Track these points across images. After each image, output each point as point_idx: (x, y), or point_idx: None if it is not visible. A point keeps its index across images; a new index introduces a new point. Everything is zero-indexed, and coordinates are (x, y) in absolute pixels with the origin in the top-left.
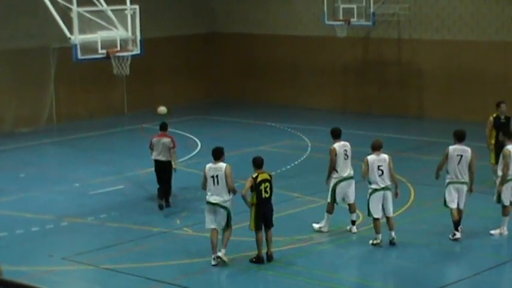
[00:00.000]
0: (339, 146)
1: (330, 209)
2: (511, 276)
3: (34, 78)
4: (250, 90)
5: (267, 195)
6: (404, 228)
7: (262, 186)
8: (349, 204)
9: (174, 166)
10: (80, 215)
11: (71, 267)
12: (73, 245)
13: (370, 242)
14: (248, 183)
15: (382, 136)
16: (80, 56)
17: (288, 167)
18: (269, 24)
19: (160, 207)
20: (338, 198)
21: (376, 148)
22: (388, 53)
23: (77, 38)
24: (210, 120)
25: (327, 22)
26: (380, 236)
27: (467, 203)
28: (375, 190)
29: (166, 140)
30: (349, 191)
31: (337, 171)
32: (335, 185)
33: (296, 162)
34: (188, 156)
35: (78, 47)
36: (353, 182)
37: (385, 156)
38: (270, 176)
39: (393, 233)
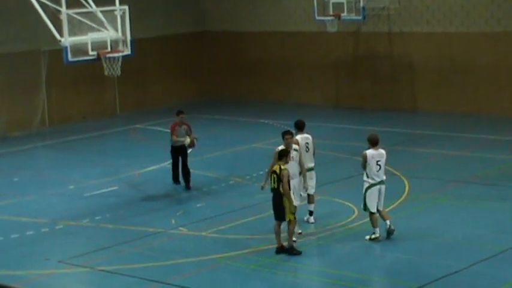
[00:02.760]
0: (301, 138)
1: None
2: (508, 266)
3: (25, 81)
4: (242, 88)
5: (275, 186)
6: (399, 222)
7: (272, 177)
8: (308, 195)
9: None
10: (75, 217)
11: (67, 270)
12: (69, 247)
13: (367, 237)
14: None
15: (376, 130)
16: (70, 58)
17: None
18: (259, 21)
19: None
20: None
21: (375, 143)
22: (379, 47)
23: (67, 40)
24: (203, 119)
25: (317, 17)
26: (378, 230)
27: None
28: (372, 185)
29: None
30: (310, 182)
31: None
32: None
33: None
34: None
35: (69, 49)
36: (314, 173)
37: (383, 151)
38: (281, 168)
39: (388, 222)
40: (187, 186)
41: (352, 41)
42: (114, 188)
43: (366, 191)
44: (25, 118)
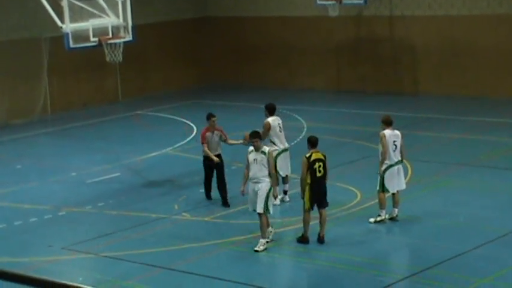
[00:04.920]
0: (273, 119)
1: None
2: (511, 249)
3: (27, 69)
4: (243, 73)
5: (320, 174)
6: (403, 205)
7: (316, 165)
8: (286, 175)
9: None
10: (78, 204)
11: (70, 256)
12: (72, 234)
13: (372, 219)
14: (304, 165)
15: (378, 114)
16: (72, 45)
17: None
18: (260, 6)
19: None
20: (281, 171)
21: (390, 123)
22: (380, 31)
23: (68, 26)
24: (205, 104)
25: (318, 2)
26: (384, 212)
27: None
28: (390, 166)
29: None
30: (287, 163)
31: (275, 144)
32: (276, 157)
33: (292, 143)
34: (184, 141)
35: (70, 35)
36: (288, 154)
37: (397, 132)
38: (324, 156)
39: (397, 210)
40: (225, 203)
41: (353, 25)
42: (117, 174)
43: (384, 172)
44: (27, 105)
